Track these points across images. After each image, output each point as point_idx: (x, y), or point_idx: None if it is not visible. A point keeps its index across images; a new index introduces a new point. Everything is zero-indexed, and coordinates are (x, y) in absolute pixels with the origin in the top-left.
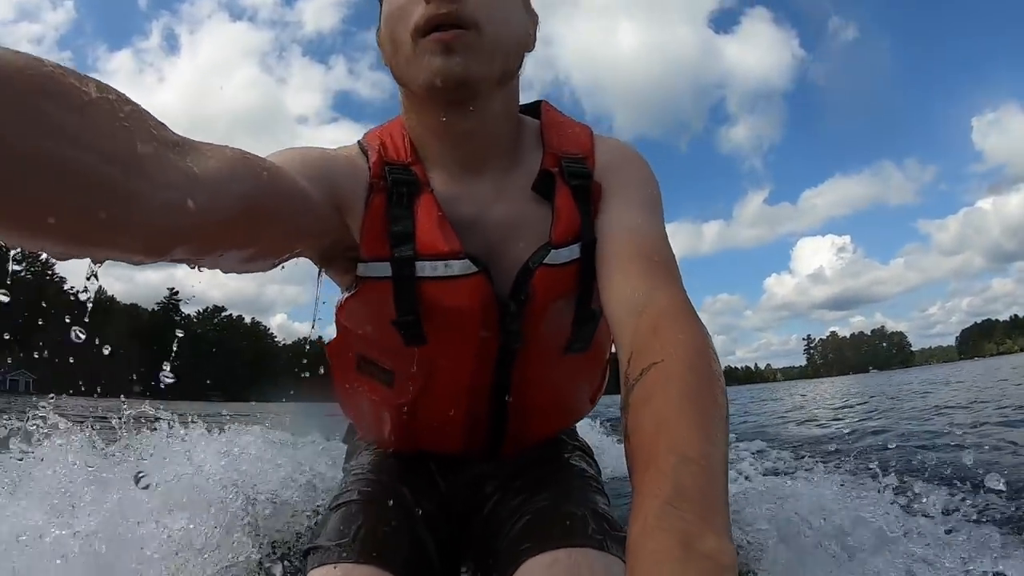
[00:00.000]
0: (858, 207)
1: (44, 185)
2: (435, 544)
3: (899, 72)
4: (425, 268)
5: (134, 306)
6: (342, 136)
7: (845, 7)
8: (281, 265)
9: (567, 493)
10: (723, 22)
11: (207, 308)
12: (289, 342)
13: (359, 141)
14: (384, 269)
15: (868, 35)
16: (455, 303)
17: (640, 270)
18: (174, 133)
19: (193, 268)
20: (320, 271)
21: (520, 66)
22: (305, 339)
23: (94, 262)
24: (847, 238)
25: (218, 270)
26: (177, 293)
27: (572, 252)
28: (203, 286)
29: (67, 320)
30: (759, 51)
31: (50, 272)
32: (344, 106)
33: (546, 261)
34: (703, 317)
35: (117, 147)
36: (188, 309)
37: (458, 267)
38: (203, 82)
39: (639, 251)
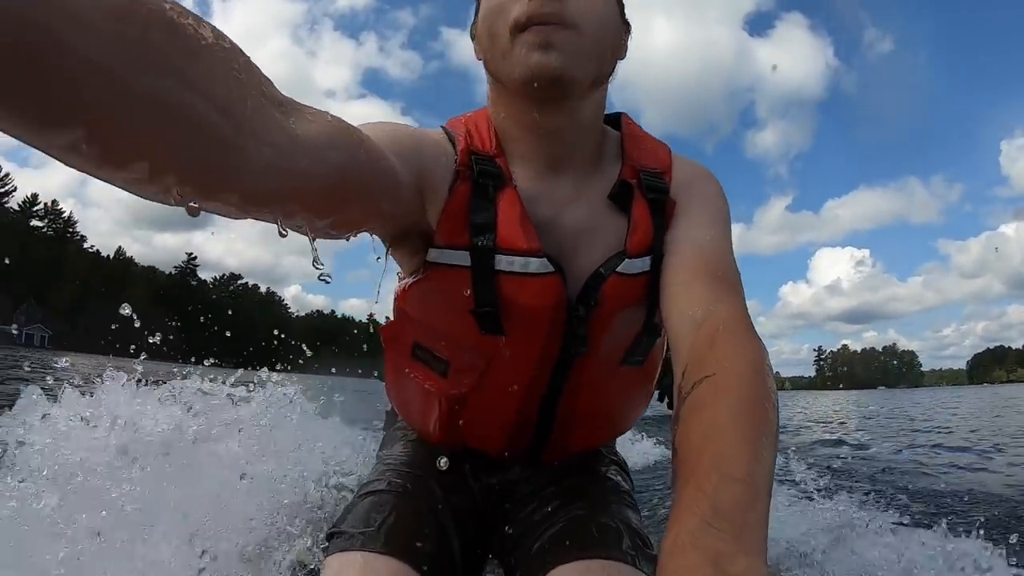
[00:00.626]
0: (880, 221)
1: (156, 126)
2: (460, 543)
3: (932, 89)
4: (502, 262)
5: (151, 268)
6: (370, 112)
7: (882, 19)
8: (350, 237)
9: (603, 505)
10: (758, 25)
11: (223, 275)
12: (303, 313)
13: (443, 127)
14: (461, 258)
15: (903, 49)
16: (529, 301)
17: (704, 284)
18: (279, 92)
19: (274, 224)
20: (387, 250)
21: (612, 73)
22: (318, 311)
23: (190, 213)
24: (867, 252)
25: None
26: (195, 258)
27: (644, 264)
28: (220, 253)
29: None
30: (793, 57)
31: (71, 231)
32: (373, 83)
33: (619, 270)
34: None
35: (231, 98)
36: (204, 275)
37: (536, 265)
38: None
39: (704, 266)
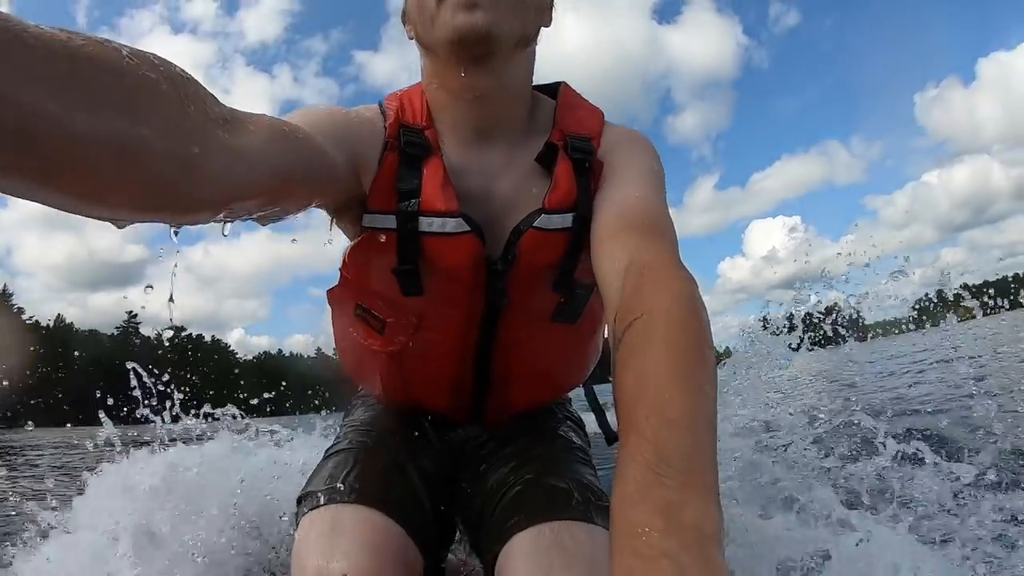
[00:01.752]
0: (808, 187)
1: (104, 160)
2: (428, 495)
3: (841, 54)
4: (424, 224)
5: (93, 332)
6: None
7: None
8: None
9: (554, 465)
10: (666, 13)
11: (165, 329)
12: (250, 357)
13: (380, 102)
14: (389, 221)
15: (809, 19)
16: (448, 260)
17: (630, 233)
18: (222, 106)
19: (223, 221)
20: (332, 221)
21: (536, 36)
22: (264, 353)
23: (117, 227)
24: (798, 218)
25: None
26: (136, 316)
27: (564, 220)
28: (158, 307)
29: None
30: (703, 40)
31: (9, 304)
32: None
33: (536, 224)
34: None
35: (176, 128)
36: (147, 331)
37: (452, 224)
38: None
39: (631, 218)
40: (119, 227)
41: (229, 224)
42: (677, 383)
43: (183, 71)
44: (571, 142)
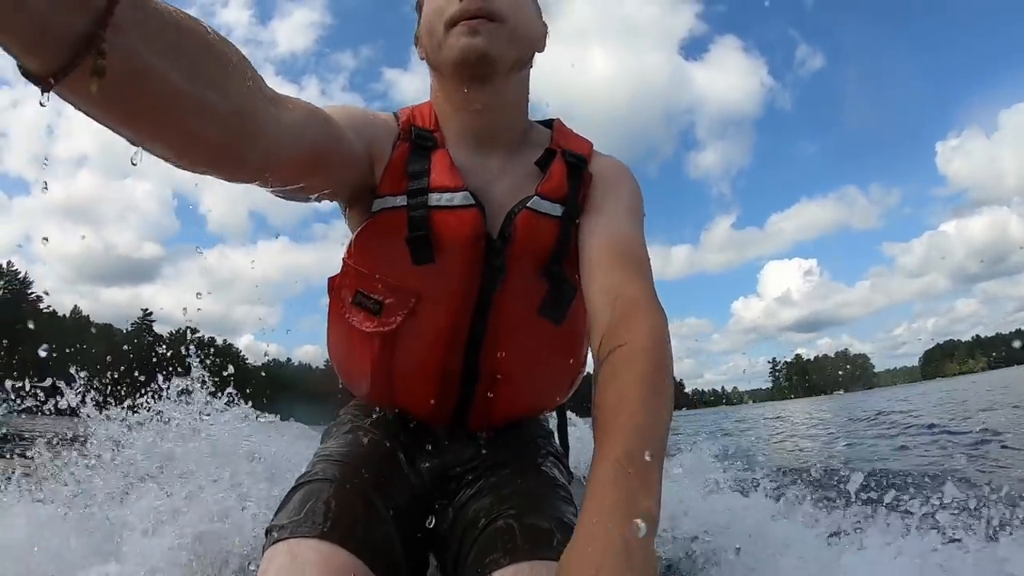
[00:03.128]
0: (824, 231)
1: (189, 116)
2: (398, 530)
3: (864, 99)
4: (432, 199)
5: (108, 326)
6: None
7: (812, 37)
8: (315, 200)
9: (536, 503)
10: (693, 50)
11: (180, 330)
12: (259, 363)
13: (394, 112)
14: (400, 200)
15: (835, 63)
16: (454, 231)
17: (618, 267)
18: (269, 88)
19: (265, 187)
20: (345, 211)
21: (531, 60)
22: (272, 360)
23: (196, 171)
24: (813, 261)
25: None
26: (151, 314)
27: (554, 209)
28: (170, 305)
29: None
30: (728, 78)
31: (29, 292)
32: None
33: (529, 205)
34: (671, 342)
35: (241, 98)
36: (159, 329)
37: (459, 198)
38: None
39: (618, 250)
40: (228, 180)
41: (274, 188)
42: (645, 404)
43: (247, 59)
44: (567, 152)
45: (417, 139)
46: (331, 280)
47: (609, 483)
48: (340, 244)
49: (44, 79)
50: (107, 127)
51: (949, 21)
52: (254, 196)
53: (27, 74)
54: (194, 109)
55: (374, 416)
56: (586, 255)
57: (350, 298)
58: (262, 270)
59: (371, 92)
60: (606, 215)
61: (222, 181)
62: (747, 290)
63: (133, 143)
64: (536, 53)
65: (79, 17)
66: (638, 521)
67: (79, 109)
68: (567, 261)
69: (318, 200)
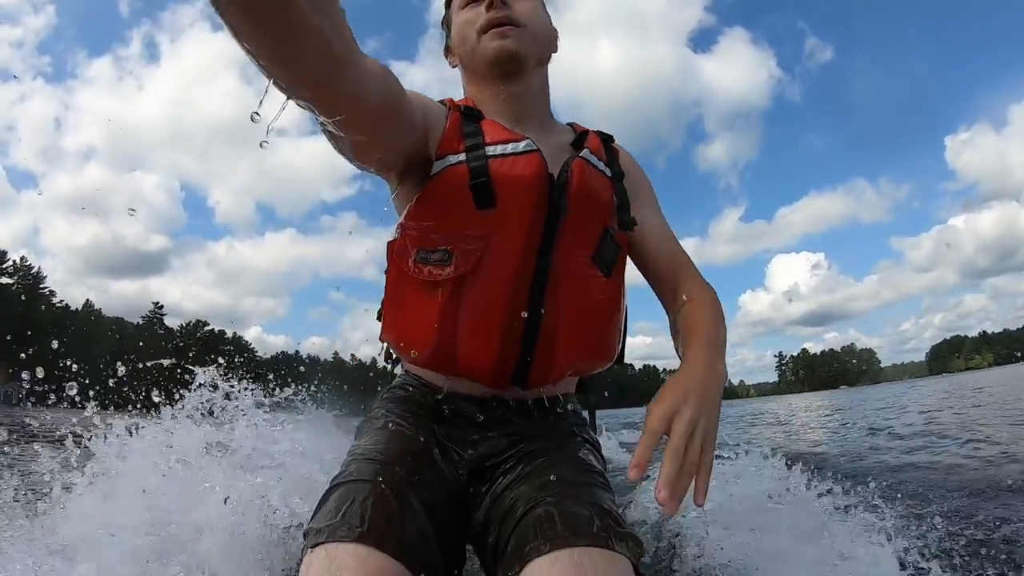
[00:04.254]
0: (833, 224)
1: (313, 46)
2: (434, 527)
3: (874, 92)
4: (490, 150)
5: (119, 319)
6: (321, 148)
7: (822, 29)
8: (379, 167)
9: (574, 489)
10: (702, 42)
11: (190, 322)
12: (268, 356)
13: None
14: (459, 157)
15: (844, 56)
16: (517, 173)
17: (670, 253)
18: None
19: (340, 135)
20: (394, 189)
21: (549, 59)
22: (283, 352)
23: (310, 110)
24: (821, 255)
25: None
26: (162, 307)
27: (599, 162)
28: (178, 297)
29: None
30: (737, 70)
31: (41, 287)
32: None
33: (580, 155)
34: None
35: (347, 37)
36: (170, 322)
37: (522, 146)
38: (183, 92)
39: (667, 242)
40: (319, 114)
41: (347, 134)
42: (715, 323)
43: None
44: (594, 131)
45: (466, 111)
46: (390, 244)
47: (701, 348)
48: (348, 234)
49: None
50: (243, 42)
51: (961, 14)
52: (262, 188)
53: None
54: (313, 32)
55: (409, 407)
56: (645, 245)
57: (412, 258)
58: (270, 262)
59: None
60: (645, 212)
61: (317, 114)
62: (755, 283)
63: (254, 56)
64: (552, 53)
65: None
66: (720, 367)
67: (227, 18)
68: (617, 223)
69: (378, 169)
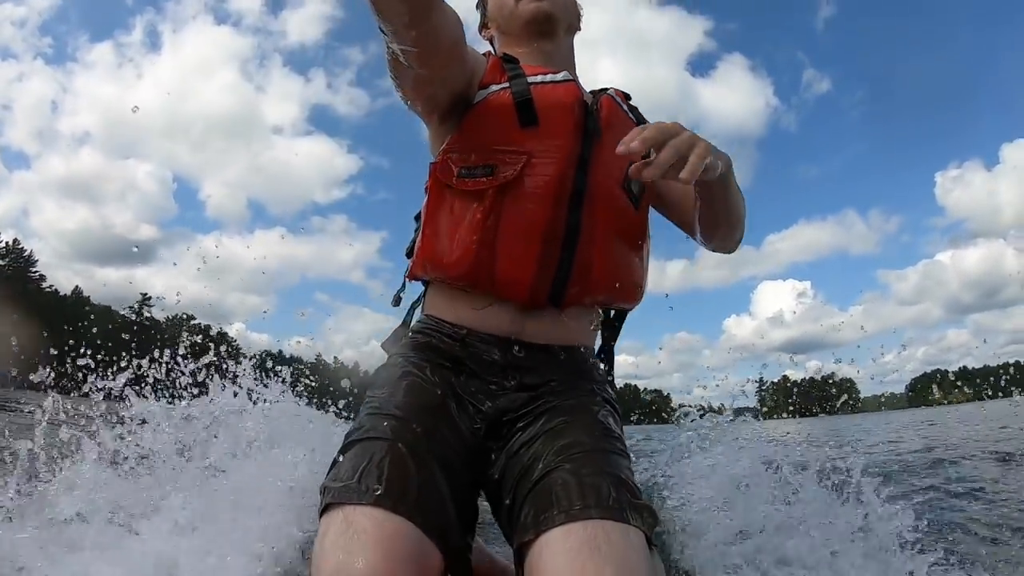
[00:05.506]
0: (820, 253)
1: None
2: (449, 486)
3: (869, 125)
4: (532, 79)
5: (107, 308)
6: (316, 149)
7: (820, 60)
8: (421, 108)
9: (592, 458)
10: (700, 66)
11: (177, 316)
12: (253, 353)
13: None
14: (502, 85)
15: (841, 88)
16: (557, 97)
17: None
18: None
19: (429, 60)
20: (435, 125)
21: (575, 29)
22: (267, 352)
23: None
24: (808, 283)
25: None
26: (150, 298)
27: (623, 105)
28: (162, 289)
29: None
30: (735, 96)
31: (32, 270)
32: (320, 120)
33: (608, 93)
34: (662, 355)
35: None
36: (157, 314)
37: (560, 76)
38: (182, 83)
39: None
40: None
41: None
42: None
43: None
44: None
45: (505, 56)
46: (432, 166)
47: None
48: (341, 235)
49: None
50: None
51: (957, 53)
52: (255, 184)
53: None
54: None
55: (427, 355)
56: (667, 194)
57: (454, 176)
58: (259, 259)
59: (376, 88)
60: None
61: (401, 44)
62: (740, 308)
63: None
64: (577, 28)
65: None
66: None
67: None
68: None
69: (425, 108)
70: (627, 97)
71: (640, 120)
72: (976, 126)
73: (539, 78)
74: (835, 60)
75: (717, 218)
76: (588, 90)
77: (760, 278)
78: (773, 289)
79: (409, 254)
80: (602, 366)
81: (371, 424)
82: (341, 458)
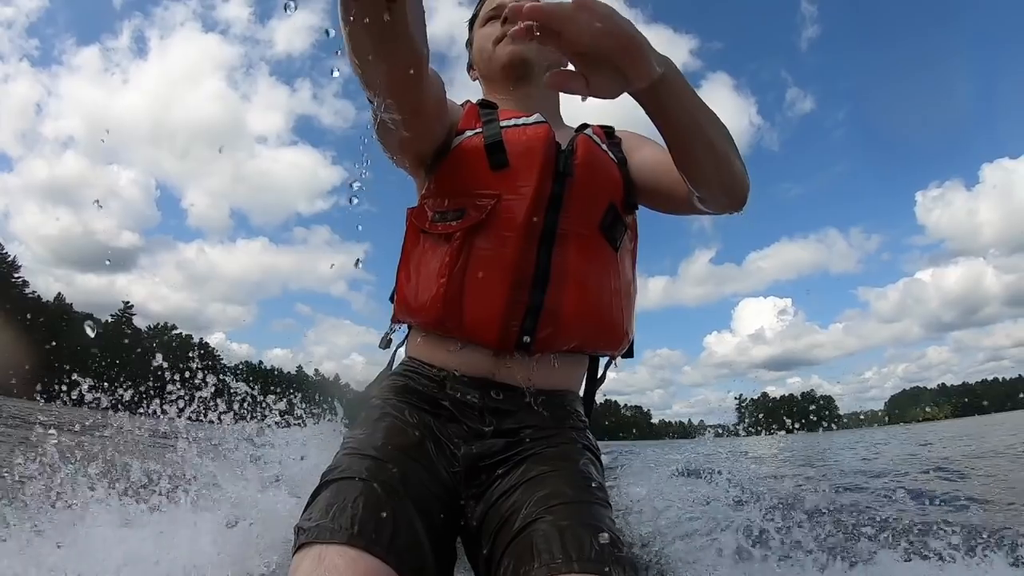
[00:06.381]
0: (802, 271)
1: (410, 44)
2: (425, 527)
3: (851, 144)
4: (505, 123)
5: (89, 315)
6: (300, 159)
7: (804, 79)
8: (409, 164)
9: (574, 510)
10: None
11: (158, 324)
12: (232, 364)
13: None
14: (475, 131)
15: (824, 107)
16: (527, 140)
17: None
18: None
19: (416, 119)
20: (420, 174)
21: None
22: (246, 362)
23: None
24: (789, 301)
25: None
26: (132, 307)
27: (601, 142)
28: (143, 297)
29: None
30: (718, 113)
31: (15, 276)
32: (305, 130)
33: (585, 132)
34: (642, 369)
35: (424, 40)
36: (138, 323)
37: (532, 119)
38: (168, 90)
39: (663, 152)
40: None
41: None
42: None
43: None
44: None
45: (481, 102)
46: (410, 211)
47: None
48: (326, 245)
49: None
50: (377, 42)
51: (940, 76)
52: (238, 194)
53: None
54: (412, 37)
55: (406, 397)
56: (652, 163)
57: (428, 220)
58: (240, 269)
59: (363, 100)
60: (647, 147)
61: (393, 112)
62: (721, 325)
63: (362, 51)
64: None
65: None
66: (660, 69)
67: (367, 21)
68: (621, 203)
69: (412, 163)
70: (609, 132)
71: (621, 158)
72: (957, 146)
73: (511, 121)
74: (818, 78)
75: (687, 144)
76: (573, 127)
77: (742, 295)
78: (755, 306)
79: (392, 298)
80: (582, 412)
81: (347, 464)
82: (316, 498)
